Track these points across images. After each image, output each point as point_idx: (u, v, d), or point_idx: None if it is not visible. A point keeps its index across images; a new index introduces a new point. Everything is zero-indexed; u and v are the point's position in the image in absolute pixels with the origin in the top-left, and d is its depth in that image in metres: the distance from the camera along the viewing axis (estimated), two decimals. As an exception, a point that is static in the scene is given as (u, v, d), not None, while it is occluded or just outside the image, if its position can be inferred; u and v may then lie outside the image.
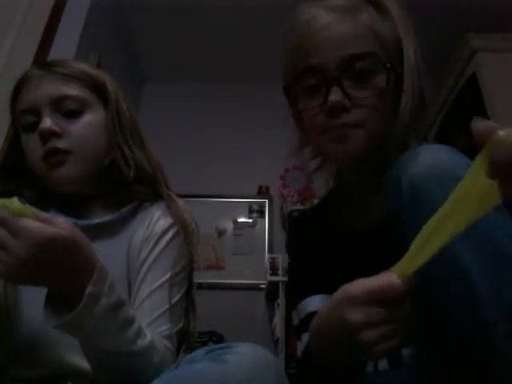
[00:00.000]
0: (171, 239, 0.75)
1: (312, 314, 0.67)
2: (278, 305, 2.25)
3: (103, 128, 0.78)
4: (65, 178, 0.74)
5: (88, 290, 0.50)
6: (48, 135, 0.72)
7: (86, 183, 0.77)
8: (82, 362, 0.66)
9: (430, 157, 0.50)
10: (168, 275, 0.72)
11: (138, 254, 0.73)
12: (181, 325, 0.72)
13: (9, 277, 0.50)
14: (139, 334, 0.58)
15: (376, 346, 0.41)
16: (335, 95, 0.62)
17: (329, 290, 0.68)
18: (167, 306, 0.69)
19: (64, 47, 1.77)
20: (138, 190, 0.78)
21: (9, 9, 1.73)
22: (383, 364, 0.62)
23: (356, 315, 0.42)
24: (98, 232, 0.73)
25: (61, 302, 0.52)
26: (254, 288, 2.51)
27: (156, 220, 0.76)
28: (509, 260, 0.44)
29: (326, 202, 0.84)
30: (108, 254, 0.71)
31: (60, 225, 0.50)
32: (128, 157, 0.77)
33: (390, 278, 0.41)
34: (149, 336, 0.60)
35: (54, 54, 1.74)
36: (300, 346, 0.68)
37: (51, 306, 0.52)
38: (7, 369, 0.66)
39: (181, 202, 0.80)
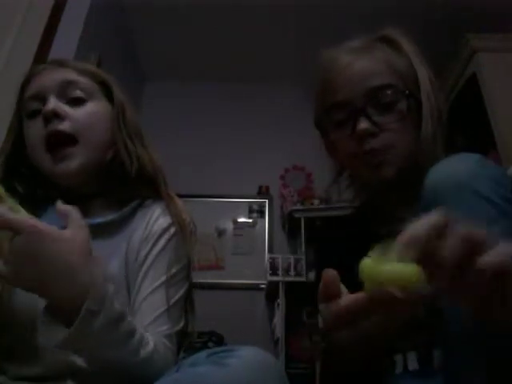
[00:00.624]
0: (170, 239, 0.75)
1: None
2: (278, 305, 2.25)
3: (107, 120, 0.78)
4: (69, 174, 0.73)
5: (85, 305, 0.50)
6: (51, 116, 0.72)
7: (88, 178, 0.76)
8: (81, 361, 0.66)
9: (452, 167, 0.54)
10: (167, 275, 0.71)
11: (137, 254, 0.73)
12: (181, 325, 0.72)
13: (11, 279, 0.50)
14: (141, 343, 0.58)
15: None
16: (363, 124, 0.70)
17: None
18: (167, 305, 0.69)
19: (64, 47, 1.77)
20: (139, 188, 0.78)
21: (9, 9, 1.72)
22: (413, 364, 0.62)
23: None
24: (98, 231, 0.72)
25: (58, 317, 0.51)
26: (254, 288, 2.51)
27: (155, 219, 0.76)
28: None
29: (356, 215, 0.86)
30: (107, 253, 0.71)
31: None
32: (131, 152, 0.77)
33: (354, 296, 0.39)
34: (151, 343, 0.60)
35: (54, 54, 1.74)
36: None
37: (49, 322, 0.51)
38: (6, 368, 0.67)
39: (180, 202, 0.80)
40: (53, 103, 0.73)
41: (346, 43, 0.78)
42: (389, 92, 0.71)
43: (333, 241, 0.85)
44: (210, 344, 2.02)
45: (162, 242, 0.74)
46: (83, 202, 0.76)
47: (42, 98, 0.75)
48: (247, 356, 0.49)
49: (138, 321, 0.67)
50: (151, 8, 2.53)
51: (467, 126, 2.39)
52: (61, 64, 0.79)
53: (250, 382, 0.46)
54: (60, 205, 0.54)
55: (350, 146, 0.72)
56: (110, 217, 0.75)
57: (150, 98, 2.97)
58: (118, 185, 0.78)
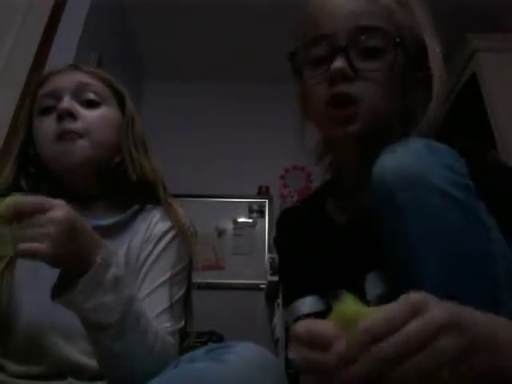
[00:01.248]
0: (170, 241, 0.76)
1: (304, 317, 0.66)
2: (278, 305, 2.25)
3: (116, 126, 0.81)
4: (75, 155, 0.75)
5: (99, 257, 0.54)
6: (65, 115, 0.74)
7: (92, 179, 0.78)
8: (81, 358, 0.66)
9: (400, 158, 0.48)
10: (167, 275, 0.73)
11: (138, 256, 0.74)
12: (181, 324, 0.73)
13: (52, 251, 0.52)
14: (144, 315, 0.60)
15: None
16: (339, 62, 0.60)
17: (320, 287, 0.67)
18: (168, 304, 0.70)
19: (64, 47, 1.77)
20: (140, 194, 0.80)
21: (9, 9, 1.73)
22: None
23: (295, 353, 0.37)
24: (99, 233, 0.73)
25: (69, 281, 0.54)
26: (254, 288, 2.51)
27: (155, 223, 0.78)
28: (463, 256, 0.44)
29: (316, 195, 0.82)
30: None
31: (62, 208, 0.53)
32: (135, 160, 0.79)
33: (329, 326, 0.35)
34: (154, 326, 0.61)
35: (53, 54, 1.74)
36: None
37: (61, 283, 0.55)
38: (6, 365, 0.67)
39: (179, 207, 0.82)
40: (67, 102, 0.75)
41: None
42: (378, 35, 0.61)
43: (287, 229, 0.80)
44: (210, 344, 2.02)
45: (163, 243, 0.76)
46: (86, 203, 0.78)
47: (56, 97, 0.77)
48: (245, 352, 0.49)
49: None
50: (151, 8, 2.53)
51: (467, 125, 2.39)
52: (78, 68, 0.82)
53: (248, 378, 0.46)
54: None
55: (320, 88, 0.62)
56: (111, 220, 0.76)
57: (149, 98, 2.97)
58: (120, 190, 0.80)
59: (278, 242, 0.82)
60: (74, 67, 0.83)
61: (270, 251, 2.56)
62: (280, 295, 2.23)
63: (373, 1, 0.63)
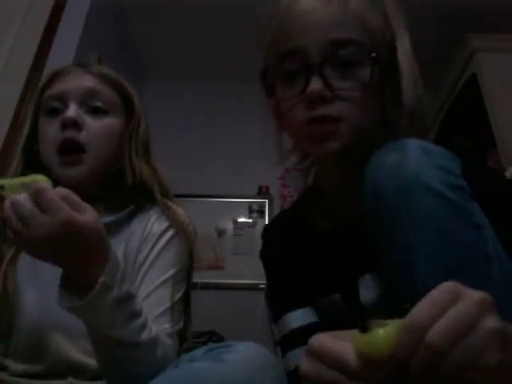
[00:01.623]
0: (169, 240, 0.76)
1: (296, 330, 0.66)
2: (278, 305, 2.25)
3: (120, 136, 0.81)
4: (75, 179, 0.75)
5: (101, 279, 0.51)
6: (70, 124, 0.74)
7: (92, 184, 0.78)
8: (82, 358, 0.66)
9: (393, 159, 0.48)
10: (167, 275, 0.72)
11: (136, 256, 0.74)
12: (181, 324, 0.73)
13: (28, 249, 0.51)
14: (145, 326, 0.59)
15: None
16: (316, 84, 0.57)
17: (310, 299, 0.66)
18: (168, 304, 0.70)
19: (64, 47, 1.77)
20: (138, 197, 0.80)
21: (9, 9, 1.73)
22: None
23: (307, 366, 0.36)
24: None
25: (73, 288, 0.53)
26: (254, 288, 2.50)
27: (152, 223, 0.77)
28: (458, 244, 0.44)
29: (299, 202, 0.81)
30: None
31: (89, 213, 0.52)
32: (135, 167, 0.79)
33: (346, 349, 0.34)
34: (154, 330, 0.61)
35: (54, 54, 1.74)
36: (286, 365, 0.66)
37: (64, 290, 0.53)
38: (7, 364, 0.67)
39: (178, 207, 0.82)
40: (74, 111, 0.75)
41: None
42: (352, 50, 0.58)
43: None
44: (210, 344, 2.01)
45: (162, 243, 0.75)
46: (85, 201, 0.78)
47: (63, 100, 0.77)
48: (245, 351, 0.49)
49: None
50: (151, 8, 2.53)
51: (467, 125, 2.39)
52: (87, 70, 0.81)
53: (248, 377, 0.46)
54: (61, 189, 0.53)
55: (298, 109, 0.60)
56: (108, 219, 0.76)
57: (149, 98, 2.97)
58: (119, 192, 0.80)
59: (264, 257, 0.80)
60: (84, 68, 0.82)
61: (269, 251, 2.57)
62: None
63: (345, 8, 0.60)
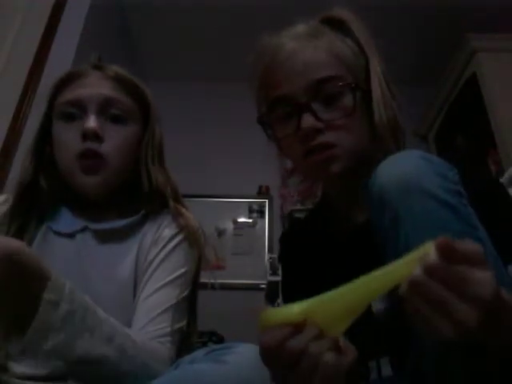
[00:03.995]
0: (178, 244, 0.77)
1: None
2: (278, 305, 2.25)
3: (137, 144, 0.81)
4: (94, 187, 0.75)
5: (44, 295, 0.49)
6: (92, 135, 0.74)
7: (107, 192, 0.79)
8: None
9: (397, 167, 0.51)
10: (173, 275, 0.73)
11: (146, 256, 0.75)
12: (183, 323, 0.73)
13: None
14: (112, 338, 0.56)
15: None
16: (307, 120, 0.65)
17: None
18: (170, 302, 0.71)
19: (64, 47, 1.77)
20: (151, 201, 0.80)
21: (9, 9, 1.73)
22: (387, 370, 0.62)
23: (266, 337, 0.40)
24: (109, 236, 0.76)
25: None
26: (254, 288, 2.50)
27: (164, 226, 0.79)
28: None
29: (313, 214, 0.85)
30: (118, 256, 0.75)
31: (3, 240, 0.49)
32: (151, 175, 0.80)
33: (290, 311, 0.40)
34: (132, 338, 0.59)
35: (54, 54, 1.74)
36: None
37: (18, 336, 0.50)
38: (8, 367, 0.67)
39: (189, 213, 0.82)
40: (95, 122, 0.74)
41: (291, 28, 0.73)
42: (333, 84, 0.66)
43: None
44: (210, 344, 2.02)
45: (170, 246, 0.76)
46: (98, 206, 0.80)
47: (81, 107, 0.76)
48: (245, 353, 0.49)
49: (137, 318, 0.68)
50: (151, 8, 2.53)
51: (467, 126, 2.39)
52: (106, 75, 0.80)
53: (249, 379, 0.46)
54: None
55: (296, 145, 0.67)
56: (121, 222, 0.78)
57: (150, 98, 2.97)
58: (133, 196, 0.81)
59: (284, 259, 0.84)
60: (101, 73, 0.80)
61: (269, 251, 2.56)
62: (280, 295, 2.24)
63: (322, 48, 0.67)
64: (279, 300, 2.24)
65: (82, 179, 0.75)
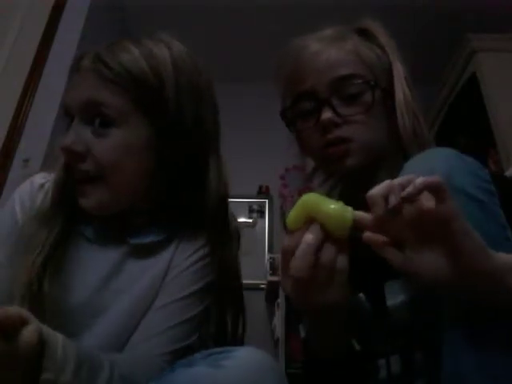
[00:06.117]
0: (199, 259, 0.72)
1: None
2: (278, 305, 2.25)
3: (141, 148, 0.66)
4: (91, 210, 0.67)
5: (42, 377, 0.45)
6: (70, 155, 0.64)
7: (122, 205, 0.70)
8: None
9: (429, 163, 0.53)
10: (182, 294, 0.69)
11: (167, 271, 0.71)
12: (187, 341, 0.68)
13: None
14: (111, 378, 0.53)
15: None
16: (326, 114, 0.69)
17: None
18: (172, 323, 0.66)
19: (64, 47, 1.77)
20: (186, 215, 0.73)
21: (9, 9, 1.73)
22: (396, 369, 0.62)
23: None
24: (135, 251, 0.70)
25: None
26: (254, 288, 2.50)
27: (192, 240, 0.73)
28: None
29: None
30: (139, 272, 0.69)
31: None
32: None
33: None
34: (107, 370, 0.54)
35: (53, 54, 1.74)
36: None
37: None
38: None
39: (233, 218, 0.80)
40: (72, 138, 0.63)
41: (318, 32, 0.77)
42: (354, 82, 0.70)
43: None
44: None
45: (190, 260, 0.72)
46: (124, 218, 0.71)
47: (70, 115, 0.67)
48: (244, 357, 0.48)
49: (136, 336, 0.65)
50: (151, 8, 2.53)
51: (467, 125, 2.39)
52: (99, 71, 0.67)
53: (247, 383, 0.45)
54: None
55: (315, 137, 0.72)
56: (149, 238, 0.71)
57: (150, 98, 2.96)
58: (165, 207, 0.72)
59: None
60: (94, 66, 0.68)
61: (269, 251, 2.56)
62: (280, 295, 2.24)
63: (346, 49, 0.72)
64: (279, 300, 2.24)
65: (80, 202, 0.67)
